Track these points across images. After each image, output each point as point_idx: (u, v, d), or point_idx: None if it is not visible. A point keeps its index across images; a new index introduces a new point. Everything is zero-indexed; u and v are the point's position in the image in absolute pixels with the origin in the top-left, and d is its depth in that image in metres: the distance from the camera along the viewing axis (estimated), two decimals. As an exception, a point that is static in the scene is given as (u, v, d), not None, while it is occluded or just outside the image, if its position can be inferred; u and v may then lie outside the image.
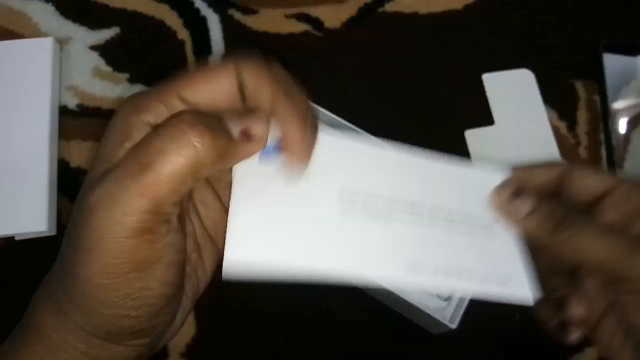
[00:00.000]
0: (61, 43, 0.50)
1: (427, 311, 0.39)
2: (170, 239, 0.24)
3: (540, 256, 0.30)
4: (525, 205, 0.29)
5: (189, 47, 0.51)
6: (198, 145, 0.22)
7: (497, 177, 0.31)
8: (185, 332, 0.44)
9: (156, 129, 0.23)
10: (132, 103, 0.24)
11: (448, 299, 0.41)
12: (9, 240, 0.45)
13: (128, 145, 0.23)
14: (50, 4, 0.52)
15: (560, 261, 0.29)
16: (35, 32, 0.51)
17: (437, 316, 0.39)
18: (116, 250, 0.22)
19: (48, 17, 0.51)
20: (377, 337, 0.45)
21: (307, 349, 0.44)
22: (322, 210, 0.27)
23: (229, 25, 0.52)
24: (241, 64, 0.24)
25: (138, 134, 0.23)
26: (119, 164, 0.22)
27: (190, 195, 0.27)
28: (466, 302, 0.40)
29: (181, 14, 0.52)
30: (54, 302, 0.24)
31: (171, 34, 0.52)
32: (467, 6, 0.53)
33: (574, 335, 0.29)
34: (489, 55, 0.52)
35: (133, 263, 0.22)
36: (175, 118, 0.23)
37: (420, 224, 0.28)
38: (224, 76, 0.24)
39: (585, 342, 0.45)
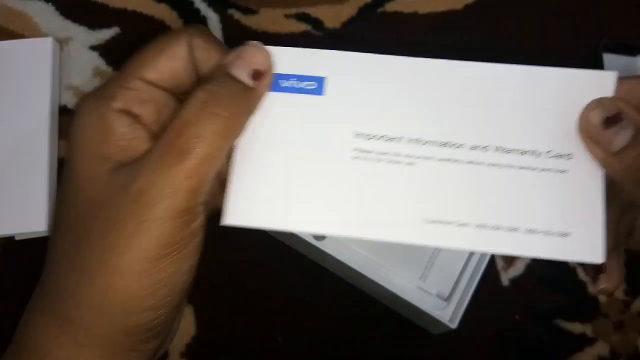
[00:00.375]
0: (61, 43, 0.50)
1: (427, 311, 0.39)
2: (203, 220, 0.24)
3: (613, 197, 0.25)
4: (620, 137, 0.22)
5: (189, 47, 0.51)
6: (227, 115, 0.23)
7: (596, 84, 0.23)
8: (185, 332, 0.44)
9: (179, 112, 0.23)
10: (95, 96, 0.24)
11: (448, 298, 0.41)
12: (9, 240, 0.45)
13: (114, 137, 0.23)
14: (50, 4, 0.51)
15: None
16: (35, 32, 0.50)
17: (437, 316, 0.39)
18: (159, 233, 0.22)
19: (48, 17, 0.51)
20: (377, 337, 0.45)
21: (307, 349, 0.44)
22: (331, 161, 0.24)
23: (229, 25, 0.52)
24: (191, 32, 0.25)
25: (116, 124, 0.23)
26: (146, 154, 0.23)
27: None
28: (466, 302, 0.40)
29: (181, 14, 0.52)
30: (55, 316, 0.24)
31: (171, 34, 0.52)
32: (467, 6, 0.53)
33: (601, 286, 0.26)
34: (489, 55, 0.52)
35: (172, 245, 0.23)
36: (193, 99, 0.23)
37: (457, 162, 0.23)
38: (178, 47, 0.24)
39: (586, 341, 0.45)
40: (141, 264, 0.22)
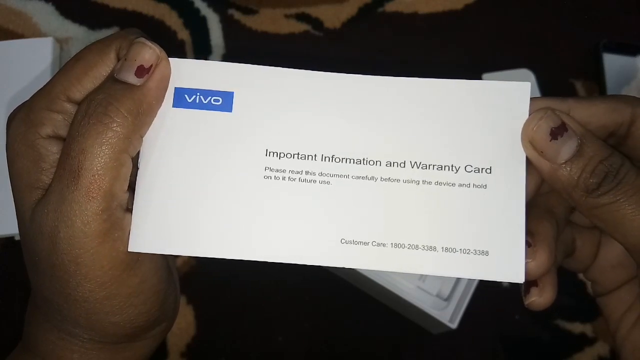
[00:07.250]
0: (61, 43, 0.50)
1: (427, 311, 0.39)
2: None
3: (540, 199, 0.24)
4: (566, 148, 0.21)
5: (189, 47, 0.51)
6: (112, 125, 0.21)
7: (511, 96, 0.23)
8: (185, 332, 0.44)
9: (70, 131, 0.22)
10: (22, 120, 0.23)
11: (448, 298, 0.41)
12: (9, 240, 0.45)
13: (45, 165, 0.22)
14: (50, 4, 0.52)
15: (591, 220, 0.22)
16: (35, 32, 0.50)
17: (437, 316, 0.39)
18: (97, 260, 0.21)
19: (48, 17, 0.51)
20: (377, 337, 0.45)
21: (307, 349, 0.44)
22: (241, 181, 0.23)
23: (229, 25, 0.52)
24: (120, 41, 0.23)
25: (46, 150, 0.22)
26: (52, 182, 0.22)
27: None
28: (466, 302, 0.40)
29: (181, 14, 0.52)
30: (61, 330, 0.24)
31: (171, 34, 0.52)
32: (467, 6, 0.53)
33: (530, 299, 0.24)
34: (489, 55, 0.52)
35: (119, 264, 0.22)
36: (77, 113, 0.22)
37: (373, 180, 0.22)
38: (105, 64, 0.23)
39: (586, 341, 0.45)
40: (100, 290, 0.22)
